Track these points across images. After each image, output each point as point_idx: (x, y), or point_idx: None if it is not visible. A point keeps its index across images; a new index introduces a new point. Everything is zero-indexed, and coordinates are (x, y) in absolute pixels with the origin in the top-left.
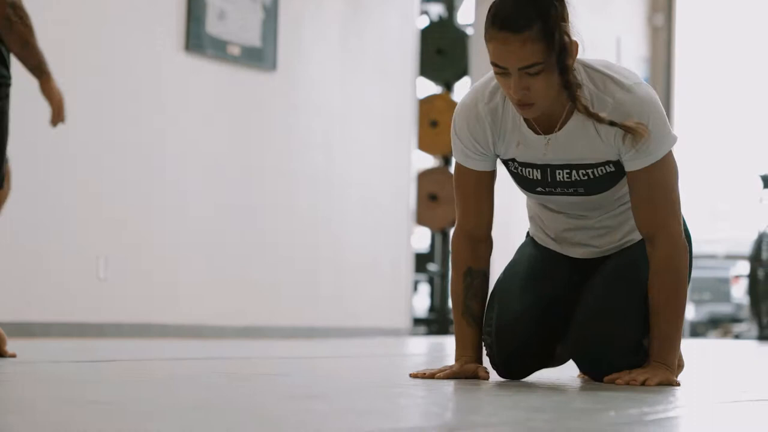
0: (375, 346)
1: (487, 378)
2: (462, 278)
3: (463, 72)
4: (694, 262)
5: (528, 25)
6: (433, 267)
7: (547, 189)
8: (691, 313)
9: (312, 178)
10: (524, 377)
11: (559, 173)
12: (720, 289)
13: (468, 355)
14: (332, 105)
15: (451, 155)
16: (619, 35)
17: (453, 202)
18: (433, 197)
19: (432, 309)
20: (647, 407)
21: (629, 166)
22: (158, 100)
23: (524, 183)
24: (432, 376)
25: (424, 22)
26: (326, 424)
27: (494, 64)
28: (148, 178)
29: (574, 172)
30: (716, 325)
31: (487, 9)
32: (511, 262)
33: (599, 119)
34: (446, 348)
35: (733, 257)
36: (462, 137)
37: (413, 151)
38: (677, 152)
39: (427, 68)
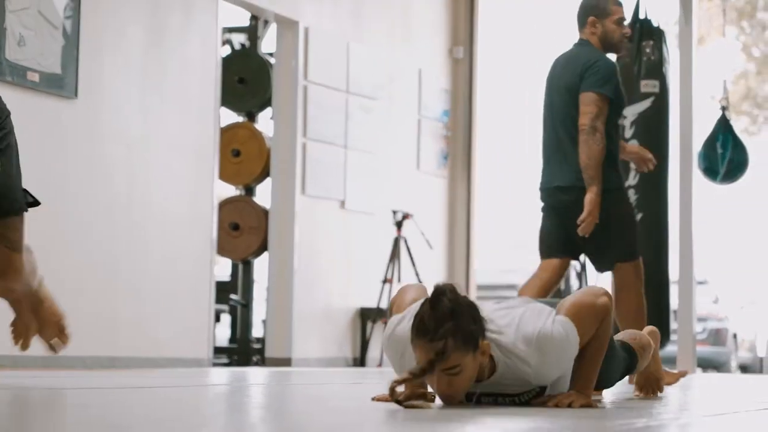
0: (175, 377)
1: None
2: None
3: (266, 101)
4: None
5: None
6: (234, 296)
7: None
8: None
9: (112, 207)
10: None
11: (483, 398)
12: None
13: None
14: (134, 133)
15: (254, 184)
16: (420, 67)
17: (255, 231)
18: (235, 227)
19: (233, 339)
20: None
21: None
22: None
23: None
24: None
25: (226, 51)
26: None
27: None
28: None
29: (498, 397)
30: None
31: None
32: None
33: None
34: (248, 377)
35: None
36: (389, 350)
37: (215, 180)
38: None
39: (229, 97)
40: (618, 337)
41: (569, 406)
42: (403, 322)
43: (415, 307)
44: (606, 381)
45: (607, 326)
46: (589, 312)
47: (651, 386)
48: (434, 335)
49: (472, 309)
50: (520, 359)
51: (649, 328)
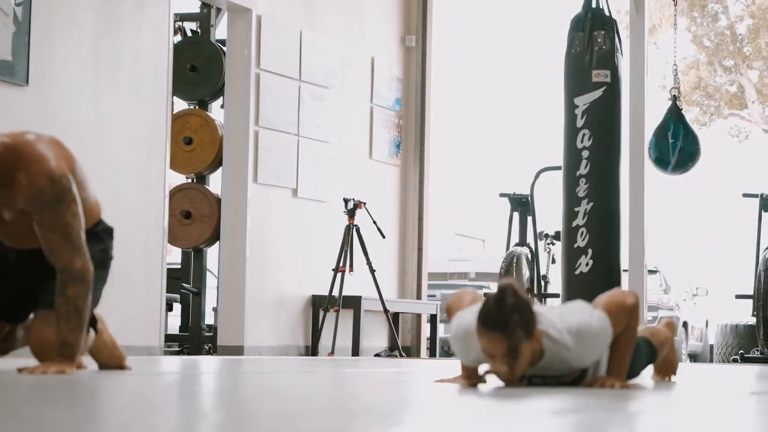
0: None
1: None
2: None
3: (218, 90)
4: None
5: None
6: (186, 285)
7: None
8: (441, 331)
9: None
10: None
11: (535, 379)
12: None
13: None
14: (85, 121)
15: (207, 172)
16: (373, 55)
17: (207, 219)
18: (187, 215)
19: (185, 327)
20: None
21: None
22: None
23: None
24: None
25: (178, 38)
26: None
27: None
28: None
29: (547, 379)
30: None
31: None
32: None
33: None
34: (200, 366)
35: (485, 275)
36: (458, 342)
37: (167, 168)
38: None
39: (181, 85)
40: (640, 333)
41: (611, 387)
42: (466, 319)
43: (475, 307)
44: (632, 372)
45: (636, 321)
46: (619, 309)
47: (667, 371)
48: (504, 328)
49: (529, 304)
50: (564, 347)
51: (665, 320)
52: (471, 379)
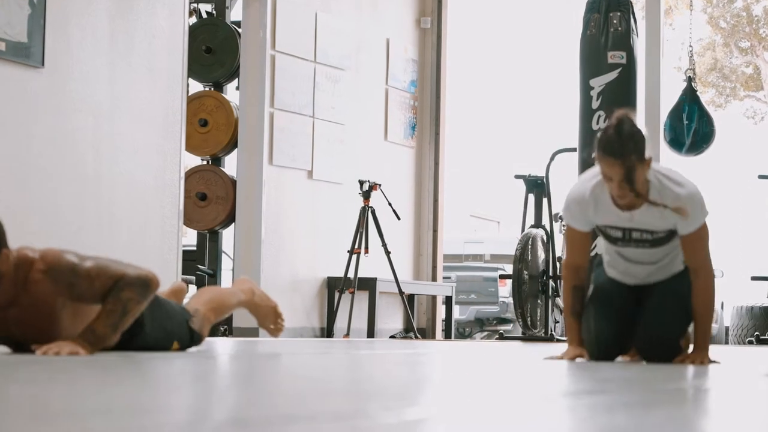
0: None
1: (587, 359)
2: (571, 291)
3: (233, 71)
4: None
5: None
6: (202, 267)
7: (624, 243)
8: (456, 313)
9: (79, 176)
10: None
11: (635, 233)
12: (487, 289)
13: (576, 342)
14: (101, 103)
15: (222, 154)
16: (388, 37)
17: (223, 201)
18: (203, 197)
19: None
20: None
21: (680, 232)
22: None
23: (609, 239)
24: (560, 358)
25: (193, 20)
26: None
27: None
28: None
29: (644, 233)
30: (483, 325)
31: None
32: (594, 288)
33: (657, 205)
34: (215, 347)
35: (499, 257)
36: (573, 212)
37: (182, 149)
38: None
39: (196, 67)
40: None
41: (701, 363)
42: (578, 188)
43: (585, 176)
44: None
45: (713, 295)
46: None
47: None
48: (622, 152)
49: (642, 133)
50: (669, 188)
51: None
52: (577, 355)
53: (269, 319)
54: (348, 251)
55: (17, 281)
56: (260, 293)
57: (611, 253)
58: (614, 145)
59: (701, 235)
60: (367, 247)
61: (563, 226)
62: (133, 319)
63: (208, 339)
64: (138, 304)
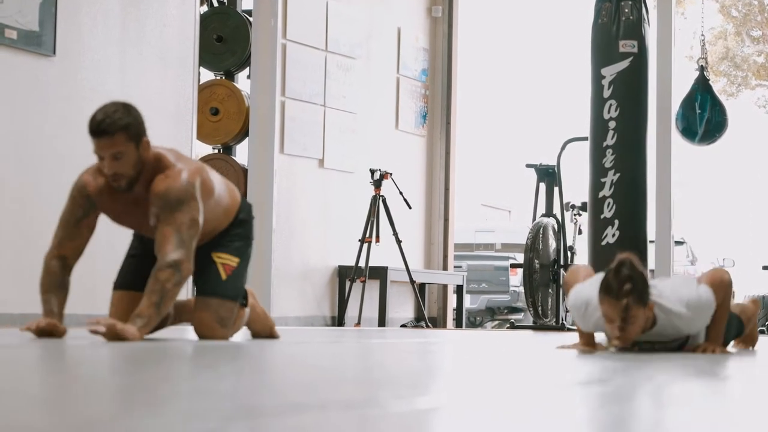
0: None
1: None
2: None
3: (244, 60)
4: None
5: None
6: None
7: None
8: (467, 302)
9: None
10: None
11: (645, 345)
12: (498, 278)
13: (588, 332)
14: (112, 91)
15: (233, 142)
16: (399, 26)
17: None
18: None
19: None
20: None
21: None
22: None
23: None
24: (572, 348)
25: (204, 9)
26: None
27: None
28: None
29: (656, 344)
30: (493, 314)
31: None
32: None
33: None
34: None
35: (510, 247)
36: (578, 311)
37: (194, 138)
38: None
39: (207, 56)
40: (732, 310)
41: (713, 352)
42: (585, 290)
43: (592, 279)
44: (723, 342)
45: (730, 295)
46: (720, 284)
47: (747, 342)
48: (619, 295)
49: (644, 276)
50: (676, 315)
51: (752, 297)
52: (589, 345)
53: (263, 334)
54: (359, 240)
55: (148, 173)
56: (261, 309)
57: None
58: (613, 287)
59: (719, 314)
60: (378, 236)
61: (574, 215)
62: (172, 301)
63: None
64: (174, 286)
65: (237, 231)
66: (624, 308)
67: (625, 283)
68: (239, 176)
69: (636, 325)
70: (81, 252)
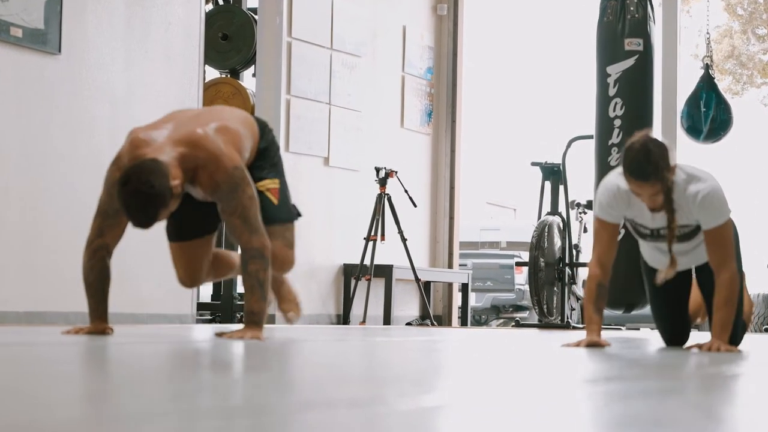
0: (159, 333)
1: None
2: (596, 289)
3: (250, 58)
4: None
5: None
6: None
7: (653, 238)
8: (472, 300)
9: (96, 163)
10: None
11: (662, 231)
12: (503, 276)
13: (595, 332)
14: (117, 90)
15: None
16: (405, 24)
17: None
18: None
19: (217, 296)
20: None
21: (703, 227)
22: None
23: (639, 234)
24: (577, 345)
25: (209, 7)
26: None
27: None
28: None
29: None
30: (499, 312)
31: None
32: (649, 286)
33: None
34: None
35: (516, 245)
36: (605, 202)
37: None
38: None
39: (212, 54)
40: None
41: (717, 350)
42: (610, 180)
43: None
44: (733, 342)
45: (736, 296)
46: (733, 283)
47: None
48: (656, 175)
49: (666, 149)
50: (696, 179)
51: (748, 301)
52: (595, 338)
53: (290, 306)
54: (364, 238)
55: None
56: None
57: (644, 246)
58: (644, 169)
59: (723, 232)
60: (383, 234)
61: (579, 213)
62: (269, 285)
63: (223, 325)
64: (265, 272)
65: (264, 155)
66: (657, 186)
67: (659, 161)
68: None
69: (666, 192)
70: (120, 237)
